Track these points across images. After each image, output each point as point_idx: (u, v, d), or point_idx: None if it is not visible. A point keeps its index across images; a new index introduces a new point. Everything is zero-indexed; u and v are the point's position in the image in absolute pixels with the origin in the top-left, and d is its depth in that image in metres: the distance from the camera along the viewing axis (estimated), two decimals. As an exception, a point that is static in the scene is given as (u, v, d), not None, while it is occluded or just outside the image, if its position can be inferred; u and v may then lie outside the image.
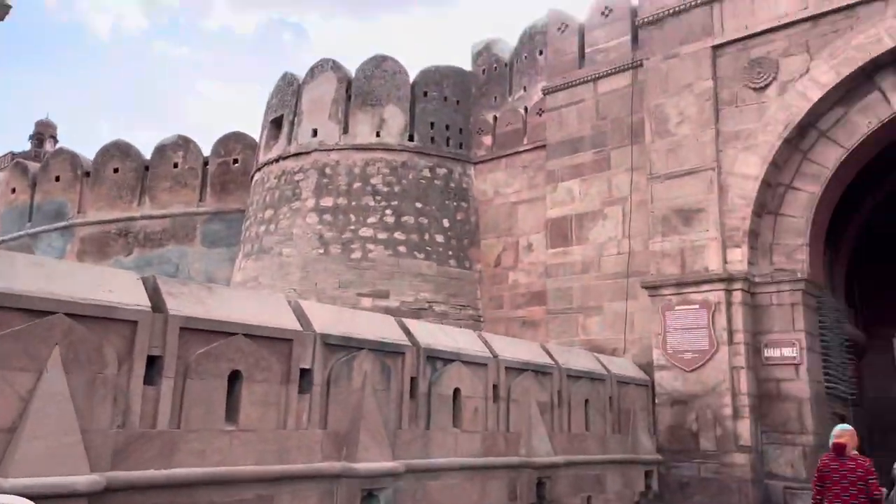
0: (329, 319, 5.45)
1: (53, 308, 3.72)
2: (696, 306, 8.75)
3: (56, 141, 49.32)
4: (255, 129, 16.15)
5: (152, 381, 4.15)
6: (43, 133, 49.13)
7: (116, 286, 4.14)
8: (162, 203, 16.95)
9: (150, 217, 17.06)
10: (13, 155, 41.82)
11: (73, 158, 17.74)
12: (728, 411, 8.45)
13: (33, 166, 18.67)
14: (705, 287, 8.79)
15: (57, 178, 17.60)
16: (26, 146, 47.51)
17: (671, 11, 9.65)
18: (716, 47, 9.22)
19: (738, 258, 8.65)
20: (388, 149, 13.09)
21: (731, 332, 8.56)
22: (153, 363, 4.17)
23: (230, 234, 16.45)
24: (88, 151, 18.34)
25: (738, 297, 8.62)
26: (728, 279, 8.59)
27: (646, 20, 10.02)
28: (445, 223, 13.02)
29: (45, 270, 4.01)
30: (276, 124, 14.24)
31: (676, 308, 8.96)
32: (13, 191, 18.33)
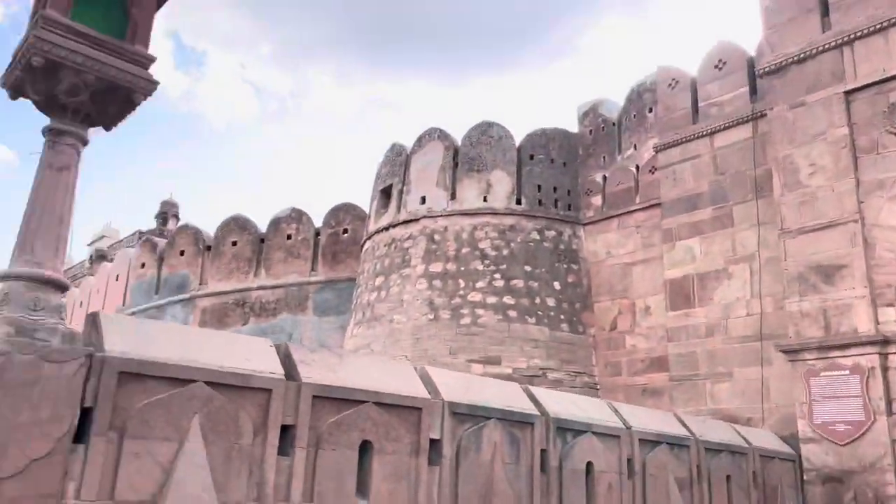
0: (455, 387, 5.24)
1: (193, 376, 3.71)
2: (846, 372, 7.93)
3: (178, 219, 52.56)
4: (362, 200, 16.61)
5: (285, 452, 4.04)
6: (167, 212, 52.67)
7: (252, 354, 4.12)
8: (276, 274, 17.54)
9: (265, 287, 17.66)
10: (141, 233, 44.98)
11: (196, 233, 18.78)
12: (892, 490, 7.49)
13: (161, 242, 19.90)
14: (854, 350, 7.98)
15: (182, 253, 18.64)
16: (153, 224, 51.02)
17: (795, 59, 9.19)
18: (848, 93, 8.64)
19: (893, 318, 7.82)
20: (495, 213, 13.03)
21: (889, 402, 7.67)
22: (285, 433, 4.08)
23: (340, 303, 16.74)
24: (211, 227, 19.38)
25: (894, 361, 7.75)
26: (882, 342, 7.76)
27: (766, 70, 9.58)
28: (556, 286, 12.69)
29: (184, 338, 4.05)
30: (385, 194, 14.54)
31: (822, 374, 8.16)
32: (142, 265, 19.55)
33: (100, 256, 37.04)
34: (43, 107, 3.68)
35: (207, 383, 3.75)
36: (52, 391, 3.23)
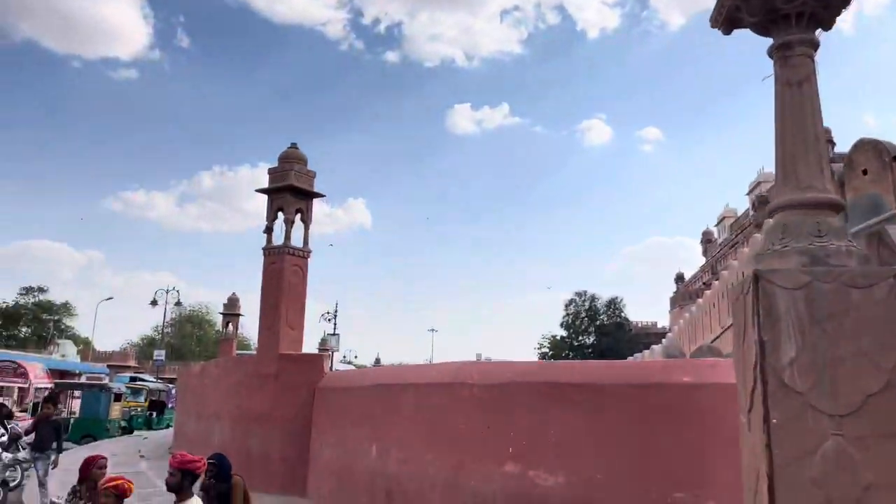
0: None
1: None
2: None
3: (833, 143, 48.62)
4: None
5: None
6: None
7: None
8: None
9: None
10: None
11: (875, 146, 16.68)
12: None
13: (836, 167, 18.43)
14: None
15: (864, 172, 16.79)
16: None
17: None
18: None
19: None
20: None
21: None
22: None
23: None
24: (877, 135, 16.89)
25: None
26: None
27: None
28: None
29: None
30: None
31: None
32: (822, 196, 18.43)
33: (762, 202, 37.33)
34: (761, 27, 3.45)
35: None
36: (865, 318, 2.89)
